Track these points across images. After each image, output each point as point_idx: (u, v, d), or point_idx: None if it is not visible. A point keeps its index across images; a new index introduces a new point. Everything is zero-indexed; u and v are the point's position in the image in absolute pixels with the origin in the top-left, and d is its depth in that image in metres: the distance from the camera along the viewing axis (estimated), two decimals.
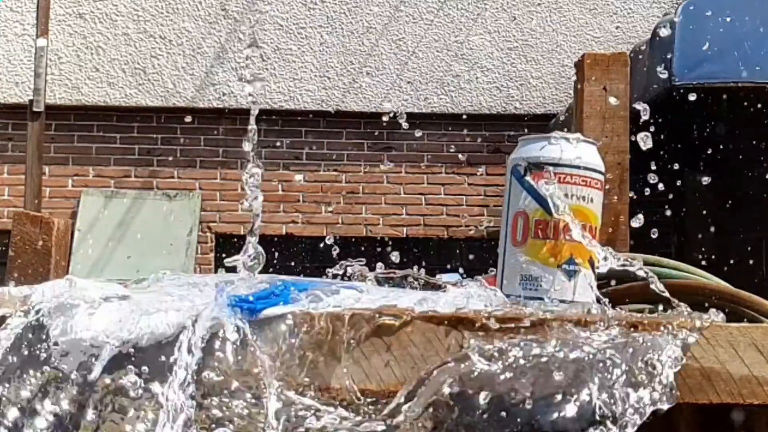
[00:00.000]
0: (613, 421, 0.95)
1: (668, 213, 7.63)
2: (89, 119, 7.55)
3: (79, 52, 7.47)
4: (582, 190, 1.16)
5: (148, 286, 1.24)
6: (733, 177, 6.79)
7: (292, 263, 7.67)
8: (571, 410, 0.95)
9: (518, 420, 0.95)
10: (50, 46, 7.00)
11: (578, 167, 1.16)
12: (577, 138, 1.21)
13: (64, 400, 1.03)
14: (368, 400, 1.05)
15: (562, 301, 1.16)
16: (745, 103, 6.37)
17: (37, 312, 1.05)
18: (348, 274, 1.39)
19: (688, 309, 1.10)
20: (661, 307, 1.26)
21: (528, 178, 1.19)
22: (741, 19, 5.04)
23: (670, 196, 7.61)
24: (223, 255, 7.60)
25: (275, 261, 7.64)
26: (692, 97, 5.35)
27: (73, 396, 1.03)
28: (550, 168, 1.17)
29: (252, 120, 1.25)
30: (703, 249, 7.08)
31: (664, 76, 5.11)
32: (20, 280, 2.10)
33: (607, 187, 2.06)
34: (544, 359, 0.97)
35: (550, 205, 1.15)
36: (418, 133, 7.59)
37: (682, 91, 5.12)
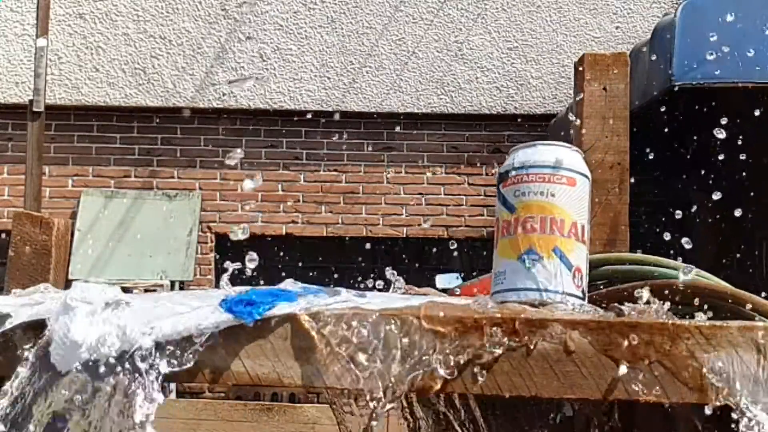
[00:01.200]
0: None
1: (668, 213, 7.62)
2: (89, 119, 7.55)
3: (79, 52, 7.47)
4: (540, 186, 1.22)
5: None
6: (732, 177, 6.79)
7: (292, 263, 7.66)
8: None
9: None
10: (50, 46, 7.00)
11: (534, 167, 1.23)
12: (539, 142, 1.27)
13: (58, 403, 1.03)
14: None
15: (521, 289, 1.19)
16: (745, 103, 6.37)
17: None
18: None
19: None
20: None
21: (499, 187, 1.27)
22: (741, 19, 5.03)
23: (671, 196, 7.61)
24: (224, 255, 7.60)
25: (275, 261, 7.64)
26: (692, 97, 5.36)
27: (66, 399, 1.03)
28: (512, 172, 1.25)
29: None
30: (704, 249, 7.08)
31: (664, 76, 5.11)
32: (20, 280, 2.10)
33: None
34: None
35: (509, 204, 1.24)
36: (418, 133, 7.59)
37: (682, 91, 5.12)
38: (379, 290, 1.39)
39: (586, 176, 1.28)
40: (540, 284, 1.19)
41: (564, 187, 1.23)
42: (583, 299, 1.23)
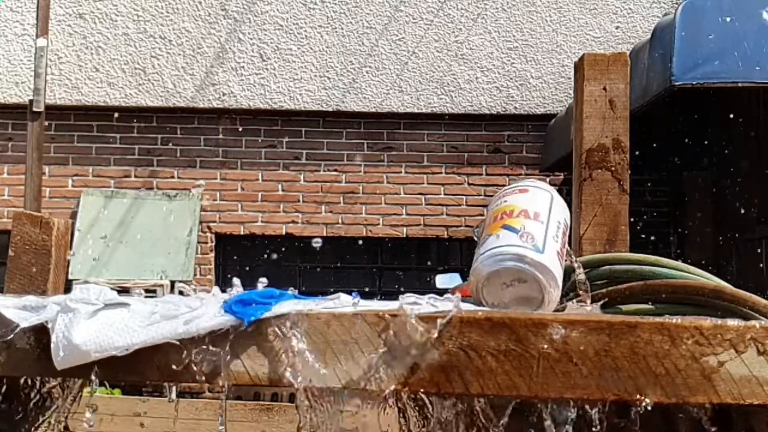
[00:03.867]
0: None
1: (668, 213, 7.63)
2: (89, 119, 7.55)
3: (79, 52, 7.47)
4: (498, 201, 1.39)
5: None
6: (732, 177, 6.79)
7: (292, 263, 7.67)
8: None
9: None
10: (50, 46, 7.00)
11: (500, 195, 1.42)
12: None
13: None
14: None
15: (475, 261, 1.31)
16: (745, 103, 6.37)
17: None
18: None
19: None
20: None
21: None
22: (741, 19, 5.04)
23: (671, 196, 7.62)
24: (224, 255, 7.61)
25: (275, 261, 7.64)
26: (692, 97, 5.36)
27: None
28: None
29: None
30: (703, 249, 7.08)
31: (664, 76, 5.11)
32: (20, 280, 2.10)
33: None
34: None
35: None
36: (418, 133, 7.60)
37: (682, 91, 5.11)
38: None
39: (547, 191, 1.39)
40: (487, 248, 1.29)
41: (516, 194, 1.37)
42: (540, 252, 1.25)
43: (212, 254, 7.52)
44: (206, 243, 7.48)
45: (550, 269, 1.24)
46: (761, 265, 6.29)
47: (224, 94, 7.47)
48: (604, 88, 2.20)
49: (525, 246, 1.26)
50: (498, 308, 1.21)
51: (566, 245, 1.32)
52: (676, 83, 5.04)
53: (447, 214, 7.60)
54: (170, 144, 7.56)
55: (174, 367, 1.05)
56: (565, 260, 1.31)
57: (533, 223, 1.30)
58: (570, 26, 7.53)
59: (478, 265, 1.27)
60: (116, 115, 7.49)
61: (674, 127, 6.38)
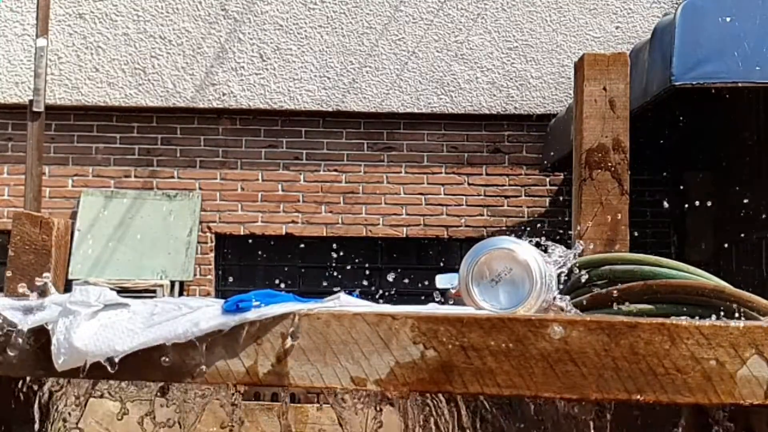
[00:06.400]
0: None
1: (668, 213, 7.63)
2: (89, 119, 7.55)
3: (79, 52, 7.47)
4: None
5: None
6: (733, 177, 6.80)
7: (292, 263, 7.66)
8: None
9: None
10: (50, 46, 7.00)
11: None
12: None
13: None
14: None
15: None
16: (745, 103, 6.37)
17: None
18: None
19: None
20: None
21: None
22: (741, 19, 5.03)
23: (670, 196, 7.62)
24: (224, 254, 7.61)
25: (275, 261, 7.64)
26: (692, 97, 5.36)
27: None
28: None
29: None
30: (703, 249, 7.08)
31: (664, 76, 5.11)
32: (20, 280, 2.10)
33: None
34: None
35: None
36: (418, 133, 7.60)
37: (682, 91, 5.11)
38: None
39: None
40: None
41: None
42: (522, 243, 1.30)
43: (212, 254, 7.51)
44: (206, 243, 7.48)
45: (535, 257, 1.25)
46: (761, 265, 6.29)
47: (224, 94, 7.47)
48: (604, 88, 2.20)
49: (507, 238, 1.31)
50: (491, 306, 1.21)
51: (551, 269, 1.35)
52: (676, 83, 5.03)
53: (447, 214, 7.59)
54: (170, 144, 7.57)
55: (174, 367, 1.05)
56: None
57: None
58: (570, 26, 7.52)
59: (463, 265, 1.29)
60: (116, 115, 7.50)
61: (674, 127, 6.38)
